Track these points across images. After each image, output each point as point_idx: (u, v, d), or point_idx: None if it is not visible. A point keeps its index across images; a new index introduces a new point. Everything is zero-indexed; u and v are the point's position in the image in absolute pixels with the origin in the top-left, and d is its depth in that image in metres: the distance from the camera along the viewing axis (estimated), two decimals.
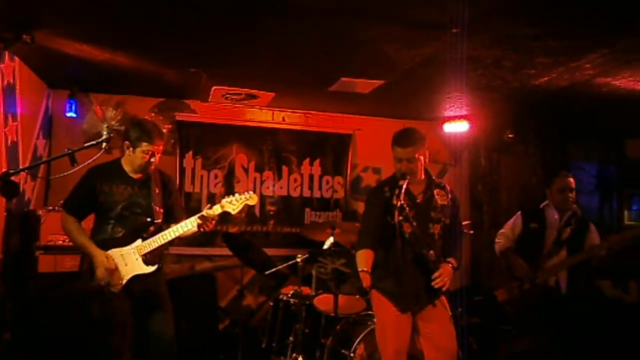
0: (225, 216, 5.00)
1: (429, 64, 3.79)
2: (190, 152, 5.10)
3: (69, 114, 4.65)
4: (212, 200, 5.11)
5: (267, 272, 4.09)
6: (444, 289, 2.99)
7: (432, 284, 2.93)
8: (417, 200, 3.10)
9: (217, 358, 4.44)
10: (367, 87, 4.40)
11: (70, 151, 2.85)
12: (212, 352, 4.48)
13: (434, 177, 3.25)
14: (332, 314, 3.85)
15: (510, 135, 5.54)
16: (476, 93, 4.49)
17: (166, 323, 3.10)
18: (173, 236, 3.03)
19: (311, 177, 5.37)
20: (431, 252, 3.00)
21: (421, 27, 3.18)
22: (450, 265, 3.02)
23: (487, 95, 4.55)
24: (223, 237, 4.62)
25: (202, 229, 3.03)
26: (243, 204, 3.11)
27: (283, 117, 5.37)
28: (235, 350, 4.20)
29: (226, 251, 4.48)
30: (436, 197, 3.12)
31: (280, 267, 4.13)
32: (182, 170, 5.04)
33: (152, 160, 3.06)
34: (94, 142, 3.01)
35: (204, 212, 3.02)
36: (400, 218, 2.94)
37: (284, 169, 5.32)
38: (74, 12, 3.16)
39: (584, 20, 3.09)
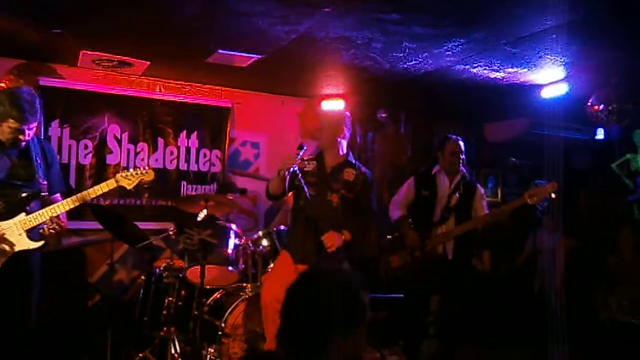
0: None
1: (304, 41, 3.87)
2: (57, 121, 4.77)
3: None
4: (82, 171, 4.86)
5: (137, 246, 4.01)
6: (327, 245, 3.30)
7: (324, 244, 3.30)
8: (326, 171, 3.54)
9: (86, 335, 4.29)
10: (244, 61, 4.40)
11: None
12: (80, 329, 4.31)
13: (352, 159, 3.64)
14: (204, 286, 3.90)
15: (383, 115, 5.84)
16: (349, 72, 4.68)
17: (31, 306, 2.97)
18: (61, 210, 2.87)
19: (188, 149, 5.26)
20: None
21: (295, 3, 3.24)
22: (340, 234, 3.35)
23: (360, 75, 4.75)
24: (93, 211, 4.42)
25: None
26: (139, 179, 3.05)
27: (159, 87, 5.19)
28: (105, 326, 4.09)
29: (96, 225, 4.30)
30: (344, 172, 3.52)
31: (151, 240, 4.06)
32: (47, 140, 4.71)
33: (22, 137, 2.85)
34: None
35: (98, 186, 2.92)
36: (299, 183, 3.35)
37: (160, 140, 5.16)
38: None
39: (442, 11, 3.35)
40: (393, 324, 4.43)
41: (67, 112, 4.80)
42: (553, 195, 3.83)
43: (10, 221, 2.82)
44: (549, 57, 4.12)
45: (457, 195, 4.23)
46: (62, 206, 2.88)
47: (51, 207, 2.87)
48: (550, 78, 4.68)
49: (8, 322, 2.96)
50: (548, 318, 3.77)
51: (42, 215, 2.85)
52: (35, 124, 2.94)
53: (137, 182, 3.06)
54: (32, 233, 2.85)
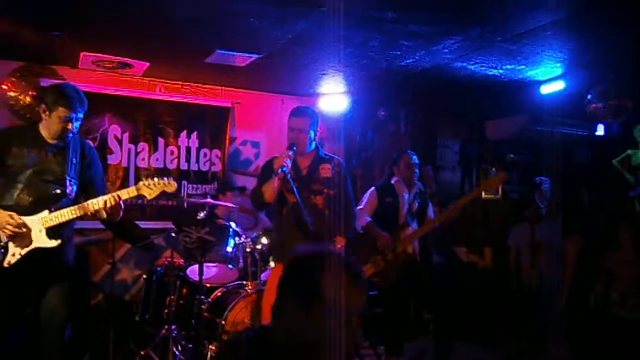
0: None
1: (301, 41, 3.91)
2: None
3: None
4: None
5: (138, 245, 4.05)
6: None
7: None
8: (302, 174, 3.36)
9: (90, 334, 4.33)
10: (243, 61, 4.43)
11: None
12: (83, 327, 4.35)
13: (323, 152, 3.49)
14: (204, 284, 3.94)
15: (382, 113, 5.86)
16: (348, 71, 4.71)
17: (59, 300, 2.94)
18: (82, 212, 2.86)
19: (188, 149, 5.30)
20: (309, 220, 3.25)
21: (291, 4, 3.27)
22: (338, 246, 3.25)
23: (358, 74, 4.78)
24: None
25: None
26: (160, 190, 3.01)
27: (160, 88, 5.23)
28: (107, 324, 4.13)
29: (98, 224, 4.34)
30: (320, 170, 3.37)
31: (152, 238, 4.10)
32: None
33: (70, 127, 2.88)
34: None
35: (117, 193, 2.91)
36: (281, 184, 3.18)
37: (160, 140, 5.20)
38: None
39: (438, 9, 3.37)
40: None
41: None
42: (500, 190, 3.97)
43: (34, 217, 2.83)
44: (546, 53, 4.14)
45: (416, 203, 4.41)
46: (81, 209, 2.90)
47: (71, 208, 2.88)
48: (548, 74, 4.70)
49: (26, 317, 3.00)
50: (548, 315, 3.80)
51: (62, 216, 2.86)
52: (82, 115, 2.94)
53: (158, 192, 2.99)
54: (52, 231, 2.88)
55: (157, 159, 5.18)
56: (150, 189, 2.98)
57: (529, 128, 5.89)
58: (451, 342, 4.45)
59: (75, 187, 2.97)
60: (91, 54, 4.37)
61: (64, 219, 2.86)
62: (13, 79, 4.65)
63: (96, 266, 4.92)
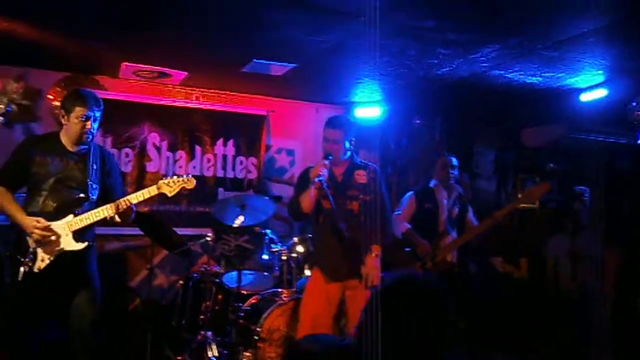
0: None
1: (338, 50, 3.92)
2: (100, 130, 4.95)
3: None
4: (123, 179, 4.99)
5: (176, 251, 4.11)
6: (374, 283, 3.17)
7: (366, 285, 3.17)
8: (337, 180, 3.37)
9: (127, 338, 4.41)
10: (280, 70, 4.48)
11: None
12: (122, 332, 4.44)
13: (358, 160, 3.50)
14: (240, 291, 3.97)
15: (417, 122, 5.83)
16: (383, 79, 4.70)
17: (88, 303, 3.02)
18: (106, 214, 2.96)
19: (225, 157, 5.38)
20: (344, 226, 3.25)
21: (328, 14, 3.28)
22: (373, 254, 3.22)
23: (394, 82, 4.77)
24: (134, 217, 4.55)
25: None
26: (180, 187, 3.09)
27: (197, 97, 5.33)
28: (144, 329, 4.20)
29: (136, 230, 4.43)
30: (355, 176, 3.37)
31: (189, 245, 4.16)
32: None
33: (88, 126, 2.97)
34: None
35: (140, 192, 3.01)
36: (318, 194, 3.20)
37: (197, 148, 5.30)
38: None
39: (478, 18, 3.34)
40: None
41: (109, 121, 4.93)
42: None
43: (60, 222, 2.92)
44: (587, 60, 4.05)
45: (456, 208, 4.37)
46: (105, 210, 2.98)
47: (96, 210, 2.97)
48: (589, 82, 4.59)
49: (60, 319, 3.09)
50: (591, 326, 3.70)
51: (87, 218, 2.95)
52: (99, 115, 3.03)
53: (178, 189, 3.08)
54: (78, 234, 2.97)
55: (194, 167, 5.27)
56: (170, 186, 3.06)
57: (568, 136, 5.77)
58: (488, 351, 4.37)
59: (96, 192, 3.05)
60: (132, 64, 4.48)
61: (89, 222, 2.95)
62: (58, 88, 4.80)
63: (134, 271, 5.01)
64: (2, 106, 2.91)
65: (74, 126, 2.96)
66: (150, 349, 4.09)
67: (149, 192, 3.03)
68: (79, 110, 2.94)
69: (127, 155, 5.05)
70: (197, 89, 5.31)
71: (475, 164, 6.20)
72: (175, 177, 3.09)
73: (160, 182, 3.07)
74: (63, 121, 3.00)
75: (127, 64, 4.48)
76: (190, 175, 3.14)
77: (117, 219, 3.01)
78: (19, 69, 4.65)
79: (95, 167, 3.06)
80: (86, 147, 3.08)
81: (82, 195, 2.98)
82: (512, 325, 4.84)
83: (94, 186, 3.03)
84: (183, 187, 3.10)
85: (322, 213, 3.34)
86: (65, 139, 3.03)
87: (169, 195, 3.07)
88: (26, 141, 3.03)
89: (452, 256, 4.28)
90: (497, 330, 4.66)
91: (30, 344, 3.40)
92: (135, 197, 3.01)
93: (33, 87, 4.69)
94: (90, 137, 3.03)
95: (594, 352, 4.04)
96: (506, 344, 4.67)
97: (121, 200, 2.99)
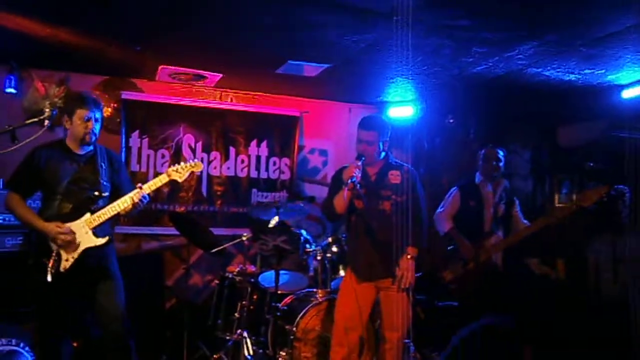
0: (173, 196, 5.06)
1: (372, 50, 3.91)
2: (137, 132, 5.06)
3: (7, 90, 4.52)
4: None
5: (212, 251, 4.17)
6: (407, 285, 3.22)
7: (400, 286, 3.21)
8: (371, 180, 3.38)
9: (163, 336, 4.50)
10: (314, 71, 4.49)
11: (10, 128, 2.82)
12: (158, 330, 4.53)
13: (393, 160, 3.48)
14: (276, 291, 4.00)
15: (451, 120, 5.76)
16: (417, 78, 4.67)
17: (114, 297, 3.13)
18: (122, 207, 3.07)
19: (258, 158, 5.43)
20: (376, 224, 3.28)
21: (363, 14, 3.28)
22: (408, 256, 3.23)
23: (428, 81, 4.73)
24: (170, 217, 4.65)
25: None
26: (189, 172, 3.22)
27: (231, 98, 5.40)
28: (181, 328, 4.27)
29: (173, 230, 4.53)
30: (389, 176, 3.37)
31: (225, 245, 4.21)
32: (128, 150, 5.01)
33: (90, 126, 3.08)
34: (36, 119, 2.98)
35: (152, 182, 3.13)
36: (351, 195, 3.20)
37: (232, 149, 5.36)
38: None
39: (514, 15, 3.29)
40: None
41: (146, 123, 5.08)
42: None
43: (78, 221, 3.04)
44: (629, 56, 3.93)
45: (502, 205, 4.23)
46: (122, 203, 3.07)
47: (113, 204, 3.08)
48: (630, 78, 4.47)
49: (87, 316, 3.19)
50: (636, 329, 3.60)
51: (105, 214, 3.07)
52: (99, 115, 3.16)
53: (187, 174, 3.20)
54: (97, 230, 3.06)
55: (228, 168, 5.33)
56: (179, 172, 3.18)
57: (607, 134, 5.63)
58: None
59: (108, 189, 3.18)
60: (169, 67, 4.56)
61: (107, 217, 3.06)
62: (97, 92, 4.92)
63: (170, 271, 5.10)
64: (47, 110, 2.98)
65: (77, 128, 3.08)
66: (187, 347, 4.17)
67: (160, 180, 3.16)
68: (81, 112, 3.07)
69: (163, 156, 5.14)
70: (231, 91, 5.37)
71: (510, 163, 6.09)
72: (182, 164, 3.21)
73: (169, 169, 3.19)
74: (67, 125, 3.12)
75: (164, 66, 4.57)
76: (197, 160, 3.25)
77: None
78: (61, 74, 4.79)
79: (104, 166, 3.18)
80: (91, 148, 3.20)
81: (96, 193, 3.09)
82: (554, 327, 4.72)
83: (106, 184, 3.16)
84: (192, 171, 3.22)
85: (354, 213, 3.36)
86: (71, 143, 3.15)
87: (180, 180, 3.19)
88: (35, 149, 3.11)
89: (496, 256, 4.17)
90: (539, 332, 4.54)
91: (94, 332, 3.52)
92: (148, 187, 3.12)
93: (73, 90, 4.83)
94: (94, 137, 3.14)
95: (635, 357, 3.92)
96: (548, 346, 4.55)
97: (135, 191, 3.08)
